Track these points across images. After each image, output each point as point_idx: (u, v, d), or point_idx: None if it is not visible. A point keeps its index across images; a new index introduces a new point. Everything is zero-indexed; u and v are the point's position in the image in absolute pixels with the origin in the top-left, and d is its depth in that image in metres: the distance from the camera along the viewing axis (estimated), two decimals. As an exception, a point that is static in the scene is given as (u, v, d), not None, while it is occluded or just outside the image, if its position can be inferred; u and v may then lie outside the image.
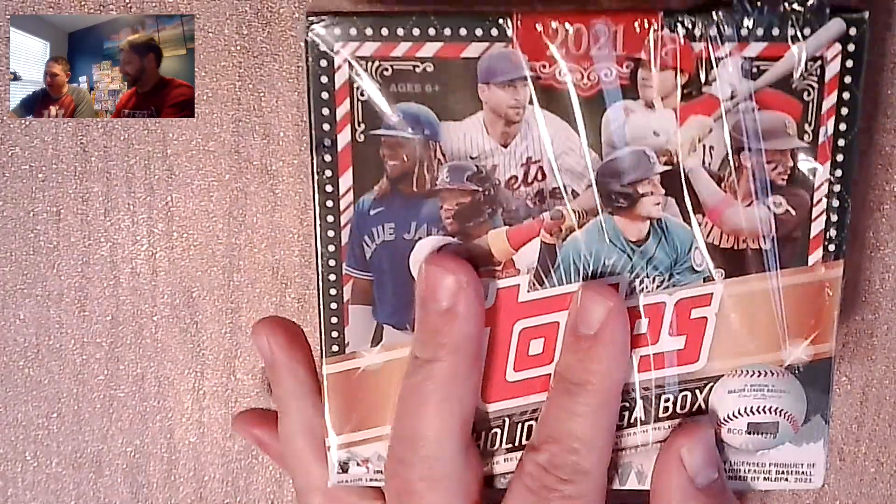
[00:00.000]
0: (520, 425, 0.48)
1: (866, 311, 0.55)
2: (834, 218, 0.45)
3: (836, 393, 0.55)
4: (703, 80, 0.44)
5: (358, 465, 0.48)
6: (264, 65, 0.52)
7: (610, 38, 0.43)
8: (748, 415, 0.47)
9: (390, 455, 0.47)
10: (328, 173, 0.45)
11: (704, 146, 0.44)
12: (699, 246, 0.45)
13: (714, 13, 0.43)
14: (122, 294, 0.55)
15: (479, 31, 0.43)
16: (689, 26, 0.43)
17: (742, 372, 0.47)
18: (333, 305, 0.46)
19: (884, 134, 0.52)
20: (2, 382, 0.56)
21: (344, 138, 0.44)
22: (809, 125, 0.44)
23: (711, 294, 0.46)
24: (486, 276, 0.46)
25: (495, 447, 0.48)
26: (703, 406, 0.47)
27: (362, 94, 0.44)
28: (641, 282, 0.46)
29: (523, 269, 0.46)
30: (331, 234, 0.45)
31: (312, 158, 0.45)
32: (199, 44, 0.52)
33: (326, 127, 0.44)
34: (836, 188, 0.45)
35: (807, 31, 0.43)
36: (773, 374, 0.47)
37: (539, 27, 0.43)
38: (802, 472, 0.48)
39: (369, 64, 0.43)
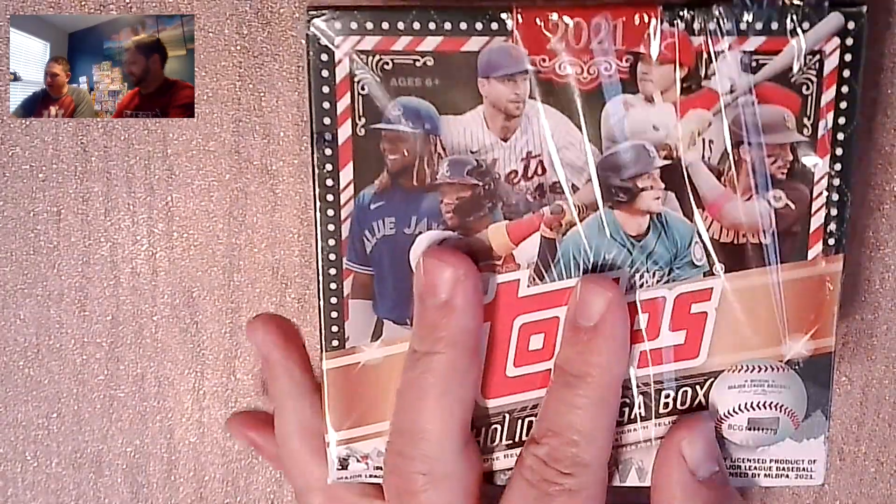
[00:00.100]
0: (520, 421, 0.47)
1: (866, 311, 0.55)
2: (834, 212, 0.45)
3: (836, 393, 0.55)
4: (702, 74, 0.44)
5: (357, 461, 0.48)
6: (264, 65, 0.52)
7: (610, 31, 0.43)
8: (748, 410, 0.47)
9: (389, 449, 0.47)
10: (329, 167, 0.45)
11: (704, 140, 0.44)
12: (699, 240, 0.45)
13: (714, 7, 0.43)
14: (122, 294, 0.55)
15: (479, 26, 0.43)
16: (689, 20, 0.43)
17: (742, 367, 0.47)
18: (334, 300, 0.46)
19: (884, 133, 0.52)
20: (2, 382, 0.56)
21: (344, 132, 0.44)
22: (808, 119, 0.44)
23: (711, 289, 0.46)
24: (486, 270, 0.46)
25: (495, 443, 0.48)
26: (703, 402, 0.47)
27: (363, 89, 0.44)
28: (641, 276, 0.46)
29: (523, 263, 0.46)
30: (331, 228, 0.46)
31: (313, 152, 0.45)
32: (199, 44, 0.52)
33: (327, 121, 0.44)
34: (836, 182, 0.45)
35: (805, 25, 0.43)
36: (773, 369, 0.47)
37: (539, 21, 0.43)
38: (803, 469, 0.48)
39: (370, 58, 0.44)
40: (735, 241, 0.46)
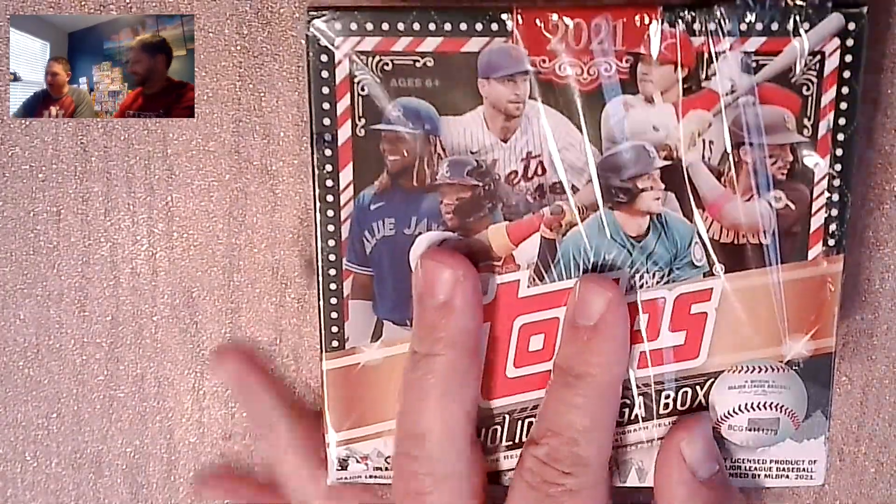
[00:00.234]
0: (520, 422, 0.47)
1: (866, 311, 0.55)
2: (834, 212, 0.45)
3: (836, 393, 0.55)
4: (702, 74, 0.44)
5: (357, 461, 0.48)
6: (264, 65, 0.52)
7: (610, 32, 0.43)
8: (749, 411, 0.47)
9: (396, 451, 0.47)
10: (328, 168, 0.45)
11: (704, 141, 0.44)
12: (699, 241, 0.45)
13: (716, 8, 0.43)
14: (122, 294, 0.55)
15: (479, 26, 0.43)
16: (689, 21, 0.43)
17: (742, 368, 0.47)
18: (333, 300, 0.46)
19: (884, 133, 0.52)
20: (2, 382, 0.56)
21: (344, 133, 0.44)
22: (809, 119, 0.44)
23: (711, 289, 0.46)
24: (486, 271, 0.46)
25: (496, 444, 0.48)
26: (703, 402, 0.47)
27: (363, 89, 0.44)
28: (641, 277, 0.46)
29: (523, 264, 0.46)
30: (331, 228, 0.45)
31: (313, 153, 0.45)
32: (199, 44, 0.52)
33: (327, 121, 0.44)
34: (836, 182, 0.45)
35: (806, 25, 0.43)
36: (773, 369, 0.47)
37: (539, 22, 0.43)
38: (803, 469, 0.48)
39: (370, 59, 0.44)
40: (735, 242, 0.45)
